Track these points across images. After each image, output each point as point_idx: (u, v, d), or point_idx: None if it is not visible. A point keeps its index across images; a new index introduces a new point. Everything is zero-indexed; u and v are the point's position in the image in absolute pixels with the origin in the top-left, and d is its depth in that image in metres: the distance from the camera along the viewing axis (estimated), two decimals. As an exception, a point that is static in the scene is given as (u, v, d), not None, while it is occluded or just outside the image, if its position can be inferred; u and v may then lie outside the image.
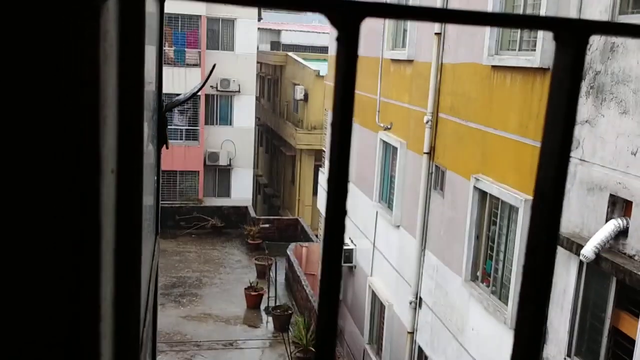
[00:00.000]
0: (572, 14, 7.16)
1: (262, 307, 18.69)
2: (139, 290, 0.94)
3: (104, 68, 0.59)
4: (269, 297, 18.50)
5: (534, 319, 0.60)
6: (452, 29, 10.53)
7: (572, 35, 0.61)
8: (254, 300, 18.66)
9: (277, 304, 18.21)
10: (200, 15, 26.62)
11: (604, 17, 6.70)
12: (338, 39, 0.55)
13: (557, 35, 0.62)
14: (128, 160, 0.79)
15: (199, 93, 26.43)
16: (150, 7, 1.44)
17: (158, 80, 1.76)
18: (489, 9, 9.03)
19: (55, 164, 0.58)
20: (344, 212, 0.57)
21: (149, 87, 1.48)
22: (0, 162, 0.56)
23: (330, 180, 0.56)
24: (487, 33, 9.12)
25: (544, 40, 7.73)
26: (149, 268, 1.38)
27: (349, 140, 0.57)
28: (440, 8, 0.57)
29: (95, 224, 0.60)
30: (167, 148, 1.87)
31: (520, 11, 8.63)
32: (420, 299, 11.64)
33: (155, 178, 1.78)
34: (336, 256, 0.56)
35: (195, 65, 26.72)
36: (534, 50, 8.09)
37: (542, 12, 7.77)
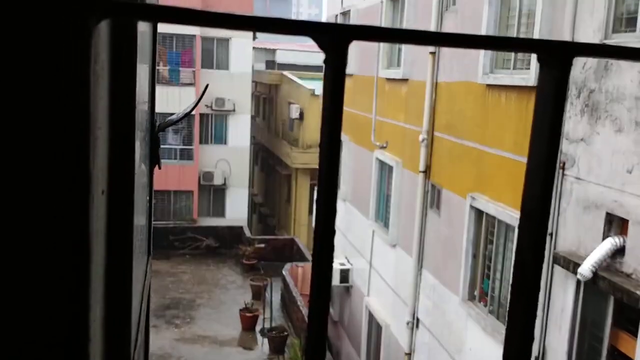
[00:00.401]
0: (566, 32, 7.22)
1: (258, 328, 18.54)
2: (130, 311, 0.94)
3: (94, 90, 0.60)
4: (264, 319, 18.37)
5: (523, 335, 0.60)
6: (446, 48, 10.61)
7: (556, 58, 0.61)
8: (249, 321, 18.52)
9: (273, 325, 18.07)
10: (195, 35, 26.75)
11: (597, 35, 6.76)
12: (325, 62, 0.56)
13: (541, 58, 0.62)
14: (119, 182, 0.79)
15: (192, 112, 26.49)
16: (143, 26, 1.45)
17: (151, 99, 1.76)
18: (483, 28, 9.12)
19: (44, 185, 0.58)
20: (332, 230, 0.57)
21: (142, 106, 1.48)
22: None
23: (318, 200, 0.56)
24: (482, 52, 9.19)
25: (538, 59, 7.78)
26: (140, 289, 1.38)
27: (337, 161, 0.57)
28: (425, 31, 0.58)
29: (85, 244, 0.60)
30: (159, 168, 1.87)
31: (514, 30, 8.71)
32: (418, 319, 11.58)
33: (148, 198, 1.78)
34: (326, 272, 0.56)
35: (189, 84, 26.80)
36: (529, 68, 8.15)
37: (536, 31, 7.84)
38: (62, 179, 0.59)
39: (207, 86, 3.27)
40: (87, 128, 0.58)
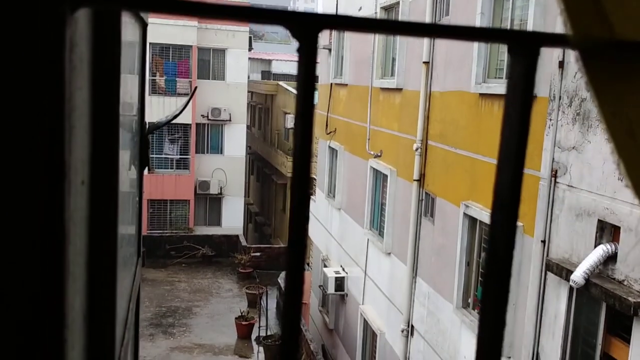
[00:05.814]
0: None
1: (254, 336, 18.51)
2: (114, 304, 0.93)
3: (70, 79, 0.60)
4: (260, 327, 18.34)
5: (495, 326, 0.60)
6: (440, 58, 10.66)
7: (524, 47, 0.63)
8: (245, 329, 18.49)
9: (269, 333, 18.05)
10: (191, 46, 26.84)
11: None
12: (298, 50, 0.58)
13: (510, 47, 0.64)
14: (102, 173, 0.79)
15: (184, 119, 26.52)
16: (131, 35, 1.45)
17: (140, 102, 1.77)
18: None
19: (15, 171, 0.58)
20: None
21: (131, 110, 1.49)
22: None
23: (292, 187, 0.58)
24: (475, 61, 9.24)
25: (530, 68, 7.83)
26: (129, 287, 1.38)
27: (309, 150, 0.59)
28: (392, 20, 0.60)
29: (60, 230, 0.60)
30: (149, 171, 1.87)
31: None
32: (412, 327, 11.57)
33: (137, 199, 1.79)
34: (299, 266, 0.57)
35: (186, 94, 26.85)
36: (521, 77, 8.19)
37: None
38: (36, 164, 0.59)
39: (195, 88, 3.30)
40: (62, 115, 0.59)
